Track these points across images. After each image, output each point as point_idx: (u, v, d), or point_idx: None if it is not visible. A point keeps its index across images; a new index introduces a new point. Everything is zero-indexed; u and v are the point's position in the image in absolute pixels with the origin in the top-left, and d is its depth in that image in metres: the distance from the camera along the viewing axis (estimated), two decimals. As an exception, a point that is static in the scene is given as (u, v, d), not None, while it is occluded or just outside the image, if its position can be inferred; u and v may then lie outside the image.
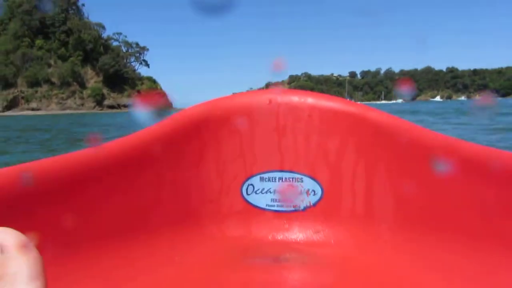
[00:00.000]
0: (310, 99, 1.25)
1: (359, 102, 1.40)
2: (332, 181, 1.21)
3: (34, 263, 0.38)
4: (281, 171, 1.25)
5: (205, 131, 1.24)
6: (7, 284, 0.35)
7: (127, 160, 1.07)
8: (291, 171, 1.24)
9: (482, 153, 0.95)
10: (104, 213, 1.00)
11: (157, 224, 1.12)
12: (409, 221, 1.10)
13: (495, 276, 0.90)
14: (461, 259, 0.97)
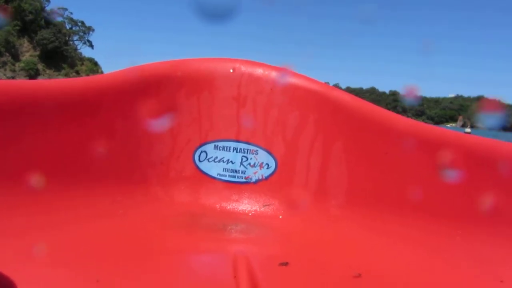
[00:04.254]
0: (274, 73, 1.24)
1: None
2: (287, 155, 1.21)
3: None
4: (237, 141, 1.23)
5: (163, 89, 1.19)
6: None
7: (79, 100, 0.99)
8: (247, 142, 1.23)
9: (432, 133, 1.00)
10: (48, 151, 0.92)
11: (101, 174, 1.05)
12: (360, 198, 1.13)
13: (440, 243, 0.95)
14: (407, 230, 1.01)
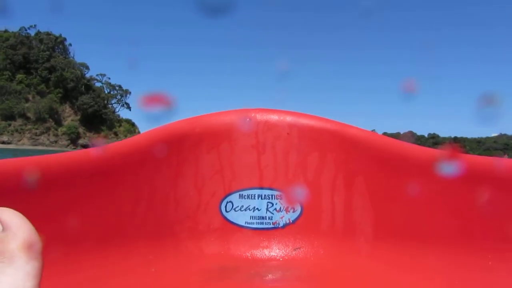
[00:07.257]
0: (289, 118, 1.27)
1: None
2: (312, 197, 1.22)
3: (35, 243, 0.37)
4: (261, 188, 1.25)
5: (184, 147, 1.24)
6: (7, 259, 0.35)
7: (106, 169, 1.05)
8: (270, 188, 1.24)
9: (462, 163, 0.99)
10: (78, 218, 0.97)
11: (132, 236, 1.09)
12: (387, 232, 1.11)
13: (472, 276, 0.91)
14: (438, 263, 0.98)
